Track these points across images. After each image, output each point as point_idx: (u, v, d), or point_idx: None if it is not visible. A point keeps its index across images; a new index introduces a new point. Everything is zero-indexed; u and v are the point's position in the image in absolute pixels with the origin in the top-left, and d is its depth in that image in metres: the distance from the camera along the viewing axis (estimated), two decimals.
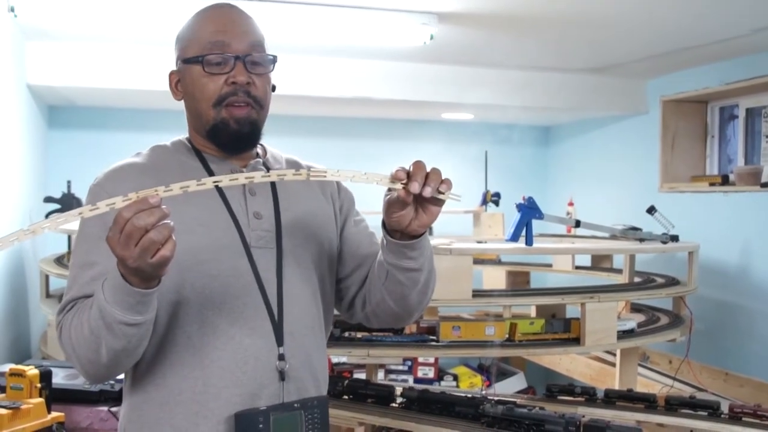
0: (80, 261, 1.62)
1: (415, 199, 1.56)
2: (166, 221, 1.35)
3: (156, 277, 1.42)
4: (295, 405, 1.63)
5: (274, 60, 1.73)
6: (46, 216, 4.92)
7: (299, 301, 1.70)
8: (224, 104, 1.66)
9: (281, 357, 1.63)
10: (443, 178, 1.55)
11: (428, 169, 1.53)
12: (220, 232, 1.64)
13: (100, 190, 1.64)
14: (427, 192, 1.51)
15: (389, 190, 1.57)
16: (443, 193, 1.55)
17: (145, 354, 1.61)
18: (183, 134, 1.81)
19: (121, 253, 1.35)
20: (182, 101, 1.76)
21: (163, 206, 1.35)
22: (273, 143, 1.89)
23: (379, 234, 1.74)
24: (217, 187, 1.67)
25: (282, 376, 1.63)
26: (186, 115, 1.77)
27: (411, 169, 1.53)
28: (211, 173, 1.70)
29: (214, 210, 1.66)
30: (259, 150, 1.83)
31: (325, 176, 1.52)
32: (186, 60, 1.71)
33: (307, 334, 1.70)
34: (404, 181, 1.52)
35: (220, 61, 1.66)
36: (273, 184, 1.76)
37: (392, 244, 1.64)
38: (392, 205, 1.57)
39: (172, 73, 1.77)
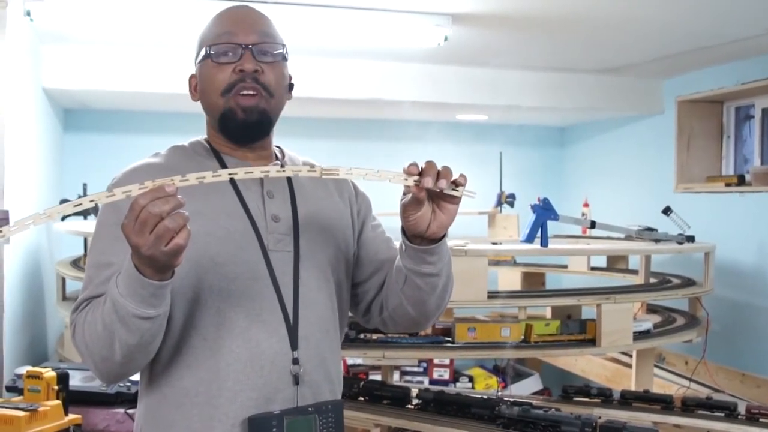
0: (96, 261, 1.62)
1: (431, 198, 1.56)
2: (180, 210, 1.36)
3: (169, 267, 1.42)
4: (310, 409, 1.63)
5: (283, 49, 1.72)
6: (62, 219, 4.94)
7: (315, 305, 1.70)
8: (232, 92, 1.66)
9: (295, 361, 1.63)
10: (459, 174, 1.55)
11: (440, 167, 1.54)
12: (238, 235, 1.64)
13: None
14: (442, 184, 1.51)
15: (404, 194, 1.57)
16: (457, 189, 1.55)
17: (161, 355, 1.61)
18: (199, 135, 1.81)
19: (136, 241, 1.35)
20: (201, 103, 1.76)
21: (179, 196, 1.36)
22: (287, 145, 1.88)
23: (395, 239, 1.74)
24: (236, 190, 1.68)
25: (296, 380, 1.63)
26: (205, 116, 1.78)
27: (423, 166, 1.53)
28: None
29: (233, 212, 1.66)
30: (277, 152, 1.83)
31: (338, 174, 1.52)
32: (198, 60, 1.73)
33: (322, 337, 1.70)
34: (416, 178, 1.52)
35: (227, 50, 1.66)
36: (291, 187, 1.76)
37: (411, 249, 1.63)
38: (408, 207, 1.57)
39: (191, 77, 1.77)
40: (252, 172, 1.47)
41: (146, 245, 1.35)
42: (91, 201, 1.39)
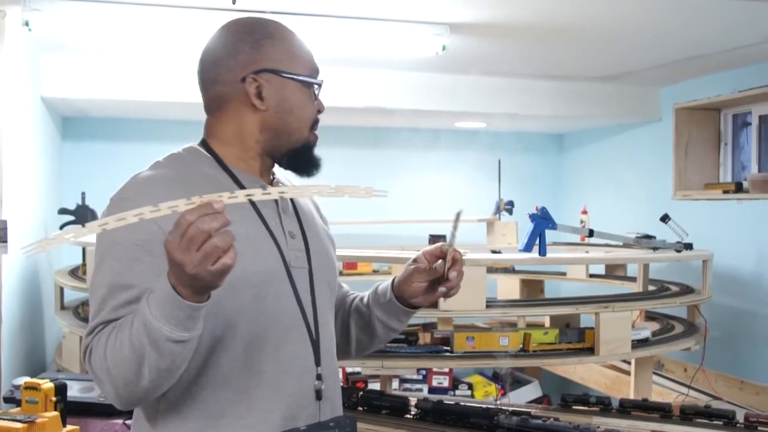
0: (111, 282, 1.51)
1: (438, 280, 1.72)
2: (228, 228, 1.30)
3: (212, 287, 1.35)
4: (331, 424, 1.62)
5: None
6: (61, 227, 4.94)
7: (328, 320, 1.73)
8: (314, 128, 1.77)
9: (319, 377, 1.64)
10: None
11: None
12: (265, 254, 1.61)
13: (128, 204, 1.48)
14: (453, 277, 1.71)
15: (417, 260, 1.73)
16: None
17: (182, 378, 1.52)
18: (191, 142, 1.74)
19: (181, 258, 1.28)
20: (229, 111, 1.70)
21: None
22: None
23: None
24: (254, 206, 1.64)
25: (318, 395, 1.64)
26: (241, 127, 1.69)
27: (459, 257, 1.71)
28: (242, 188, 1.62)
29: (256, 230, 1.62)
30: None
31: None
32: (288, 73, 1.70)
33: (334, 350, 1.75)
34: (449, 266, 1.70)
35: (320, 84, 1.79)
36: (294, 204, 1.76)
37: (393, 305, 1.78)
38: (419, 275, 1.73)
39: (251, 81, 1.67)
40: (302, 192, 1.45)
41: (192, 263, 1.28)
42: (136, 215, 1.30)
